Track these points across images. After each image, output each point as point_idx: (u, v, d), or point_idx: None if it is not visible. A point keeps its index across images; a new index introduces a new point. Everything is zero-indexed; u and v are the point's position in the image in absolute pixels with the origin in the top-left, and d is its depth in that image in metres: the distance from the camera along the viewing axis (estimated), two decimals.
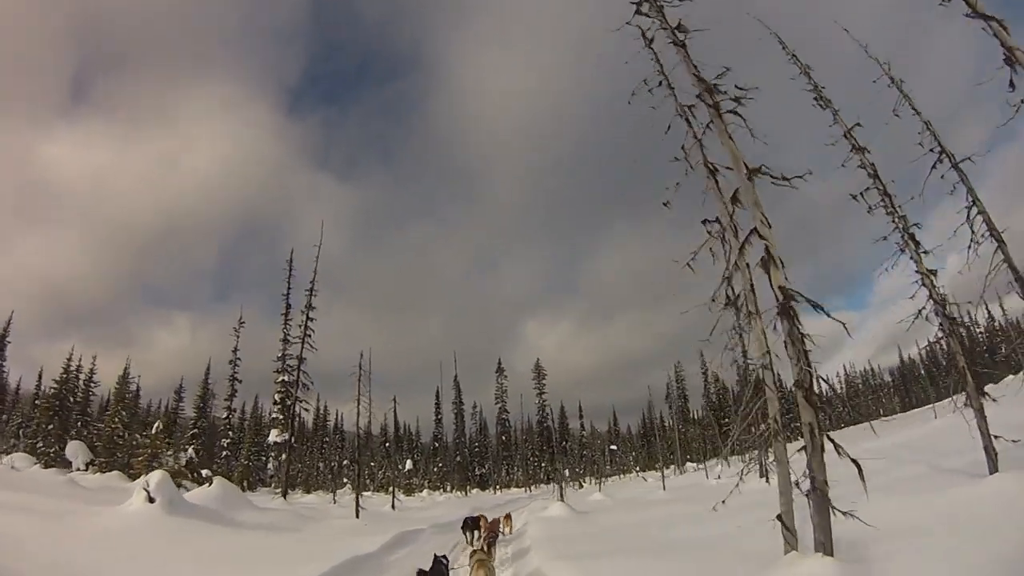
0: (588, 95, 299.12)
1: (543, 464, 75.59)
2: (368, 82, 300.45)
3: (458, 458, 68.97)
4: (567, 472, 74.23)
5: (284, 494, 27.14)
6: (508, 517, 18.05)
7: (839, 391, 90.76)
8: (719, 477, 29.26)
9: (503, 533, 16.18)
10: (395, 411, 31.78)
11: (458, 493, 59.00)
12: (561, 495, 22.92)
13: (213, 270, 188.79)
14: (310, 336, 33.93)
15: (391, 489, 55.30)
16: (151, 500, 14.40)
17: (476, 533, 14.91)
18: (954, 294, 16.79)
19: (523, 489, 63.04)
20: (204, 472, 25.43)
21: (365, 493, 55.76)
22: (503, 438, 76.02)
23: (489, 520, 15.58)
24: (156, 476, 15.05)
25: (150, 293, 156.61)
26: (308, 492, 50.92)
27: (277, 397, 43.89)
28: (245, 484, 49.58)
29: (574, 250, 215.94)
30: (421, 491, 60.11)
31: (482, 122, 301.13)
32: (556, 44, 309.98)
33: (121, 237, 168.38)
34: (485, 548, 11.81)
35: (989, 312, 73.08)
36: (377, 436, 79.87)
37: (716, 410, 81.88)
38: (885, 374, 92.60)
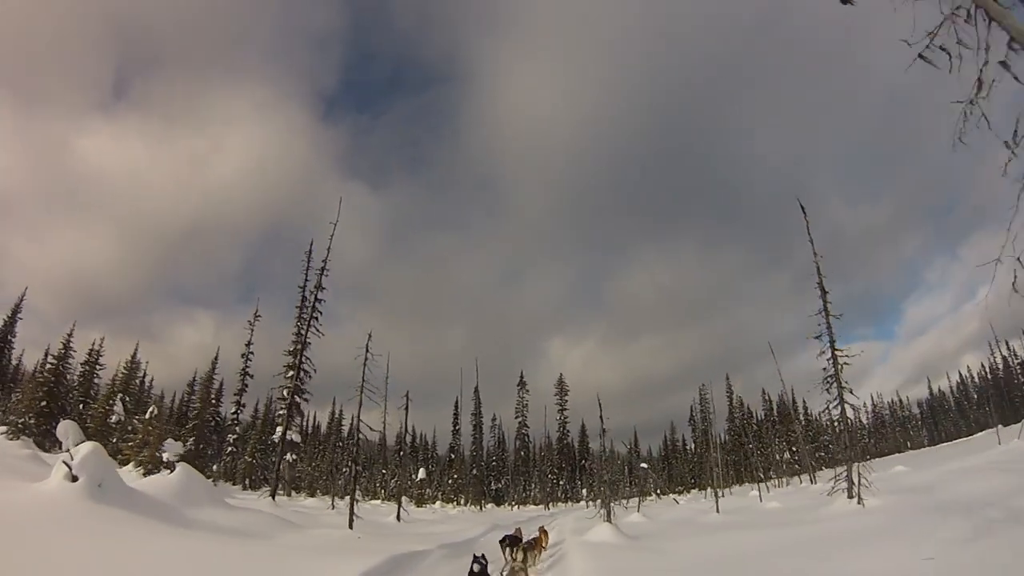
0: (619, 114, 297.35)
1: (561, 482, 70.85)
2: (401, 91, 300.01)
3: (474, 471, 64.29)
4: (585, 491, 69.73)
5: (273, 494, 22.93)
6: (544, 531, 16.01)
7: (866, 421, 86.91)
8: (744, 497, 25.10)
9: (543, 547, 14.63)
10: (407, 407, 27.07)
11: (472, 507, 54.38)
12: (608, 515, 18.16)
13: (239, 271, 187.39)
14: (317, 319, 29.86)
15: (400, 498, 51.29)
16: (74, 479, 10.49)
17: (516, 550, 12.97)
18: None
19: (541, 506, 58.32)
20: (166, 457, 21.36)
21: (374, 501, 51.52)
22: (522, 453, 71.53)
23: (525, 537, 14.40)
24: (85, 448, 11.17)
25: (177, 290, 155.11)
26: (312, 495, 46.58)
27: (285, 393, 40.19)
28: (248, 482, 45.74)
29: (600, 268, 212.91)
30: (434, 503, 55.85)
31: (512, 135, 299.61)
32: (588, 61, 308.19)
33: (151, 233, 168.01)
34: (522, 557, 10.84)
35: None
36: (392, 446, 76.11)
37: (740, 434, 77.28)
38: (913, 406, 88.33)
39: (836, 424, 21.05)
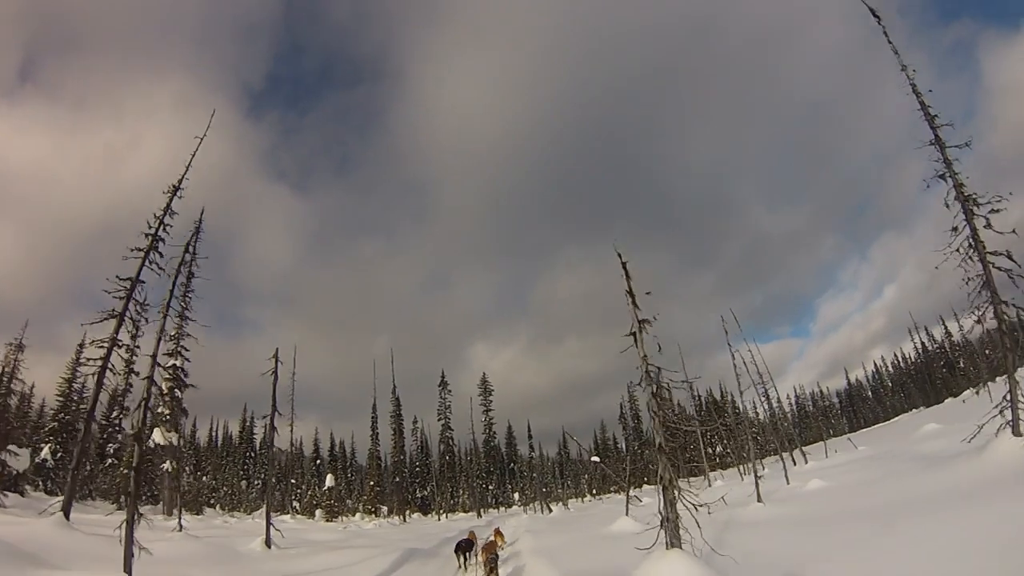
0: (547, 118, 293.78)
1: (491, 487, 64.50)
2: (330, 87, 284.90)
3: (397, 479, 56.65)
4: (516, 495, 63.58)
5: (66, 508, 15.07)
6: (499, 533, 15.37)
7: (788, 412, 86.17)
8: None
9: (501, 548, 13.59)
10: (275, 373, 19.01)
11: (395, 518, 47.14)
12: (676, 535, 9.05)
13: (155, 277, 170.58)
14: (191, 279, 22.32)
15: (311, 512, 43.37)
16: None
17: (469, 556, 12.94)
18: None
19: (472, 514, 51.50)
20: None
21: (283, 516, 43.52)
22: (447, 458, 64.54)
23: (479, 540, 13.90)
24: None
25: (87, 296, 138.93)
26: (199, 512, 38.15)
27: (164, 387, 32.45)
28: (123, 500, 37.32)
29: (526, 272, 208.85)
30: (353, 515, 48.40)
31: (443, 137, 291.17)
32: (523, 64, 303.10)
33: (58, 232, 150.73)
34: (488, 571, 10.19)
35: (946, 329, 71.59)
36: (310, 455, 67.90)
37: (670, 433, 73.33)
38: (832, 396, 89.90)
39: (981, 318, 12.97)
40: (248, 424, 67.88)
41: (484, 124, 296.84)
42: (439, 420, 64.22)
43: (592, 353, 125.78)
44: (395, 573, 12.31)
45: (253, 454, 66.02)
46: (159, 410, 31.67)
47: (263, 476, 60.08)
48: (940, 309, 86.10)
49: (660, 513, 7.98)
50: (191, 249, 30.62)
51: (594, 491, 59.62)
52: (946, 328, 69.96)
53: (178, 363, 32.13)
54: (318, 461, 66.26)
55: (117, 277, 15.70)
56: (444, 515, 52.05)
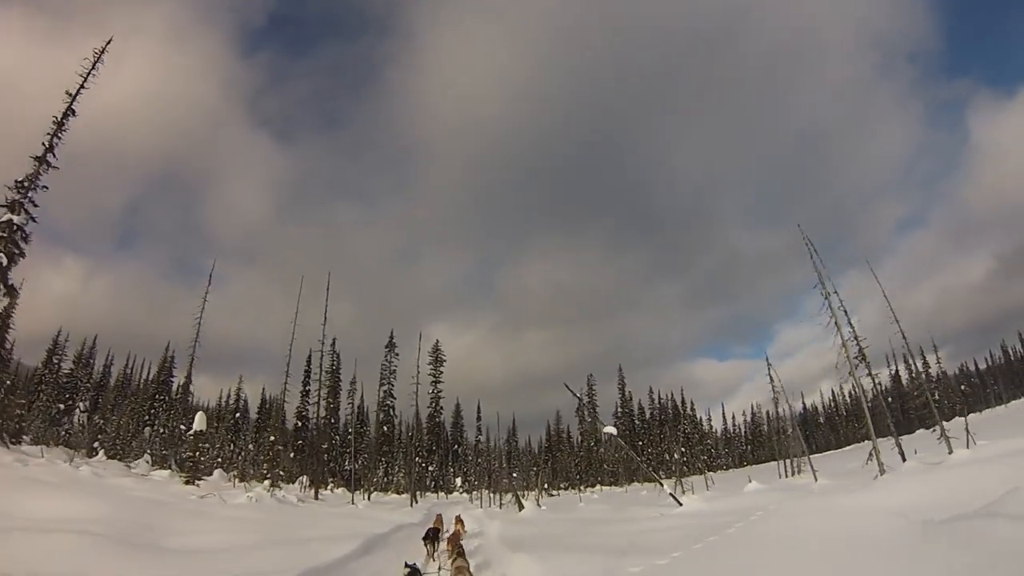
0: (546, 103, 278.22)
1: (431, 468, 53.39)
2: (330, 34, 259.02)
3: (325, 445, 44.83)
4: (459, 481, 52.75)
5: None
6: (460, 520, 14.32)
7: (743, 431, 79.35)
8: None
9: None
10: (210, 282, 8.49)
11: (301, 492, 35.41)
12: None
13: (120, 213, 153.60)
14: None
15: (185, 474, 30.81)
16: None
17: (437, 544, 11.65)
18: None
19: (406, 496, 40.10)
20: None
21: (161, 472, 31.57)
22: (384, 429, 53.18)
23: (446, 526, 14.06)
24: None
25: (40, 225, 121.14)
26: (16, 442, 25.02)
27: None
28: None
29: (499, 257, 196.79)
30: (261, 482, 36.61)
31: (435, 110, 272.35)
32: (528, 45, 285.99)
33: (13, 147, 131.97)
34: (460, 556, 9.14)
35: (925, 360, 64.35)
36: (230, 411, 55.89)
37: (629, 432, 64.16)
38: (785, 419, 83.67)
39: None
40: (167, 364, 54.83)
41: (480, 102, 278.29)
42: (381, 385, 52.76)
43: (553, 346, 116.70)
44: None
45: (168, 400, 53.43)
46: None
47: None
48: (890, 349, 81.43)
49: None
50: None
51: (546, 486, 49.07)
52: (925, 360, 63.79)
53: (17, 219, 20.43)
54: (236, 415, 54.34)
55: None
56: (370, 494, 40.33)
